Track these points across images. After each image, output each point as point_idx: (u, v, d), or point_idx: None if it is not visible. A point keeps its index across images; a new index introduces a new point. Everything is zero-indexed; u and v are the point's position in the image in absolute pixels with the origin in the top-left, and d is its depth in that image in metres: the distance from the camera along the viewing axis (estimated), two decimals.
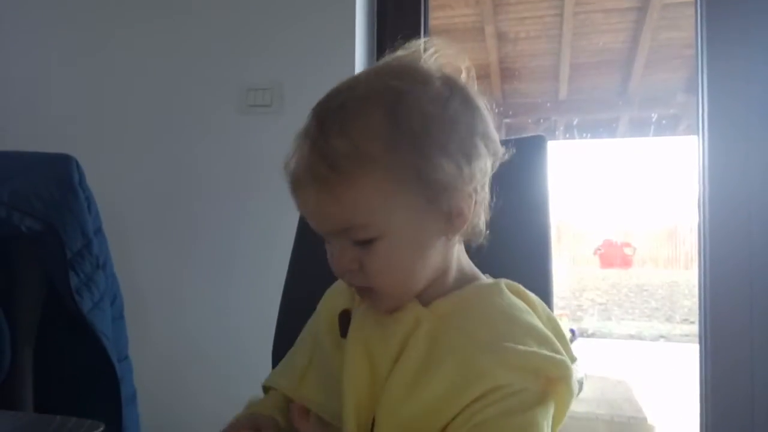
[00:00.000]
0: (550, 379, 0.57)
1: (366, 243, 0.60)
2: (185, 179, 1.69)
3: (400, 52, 0.67)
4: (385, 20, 1.67)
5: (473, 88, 0.66)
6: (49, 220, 1.01)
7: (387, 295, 0.62)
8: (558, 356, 0.58)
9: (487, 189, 0.66)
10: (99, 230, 1.15)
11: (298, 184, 0.61)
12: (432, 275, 0.64)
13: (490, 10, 3.20)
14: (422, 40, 0.67)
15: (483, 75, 3.76)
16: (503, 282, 0.66)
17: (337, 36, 1.58)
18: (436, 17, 3.08)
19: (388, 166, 0.57)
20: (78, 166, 1.13)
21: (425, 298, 0.64)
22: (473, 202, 0.63)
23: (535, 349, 0.58)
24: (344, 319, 0.67)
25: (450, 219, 0.62)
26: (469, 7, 3.22)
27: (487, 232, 0.68)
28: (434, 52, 0.66)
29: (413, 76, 0.62)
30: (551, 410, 0.57)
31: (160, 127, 1.72)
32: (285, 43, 1.63)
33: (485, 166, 0.64)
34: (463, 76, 0.66)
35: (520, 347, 0.58)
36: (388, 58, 0.67)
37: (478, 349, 0.58)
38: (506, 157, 0.67)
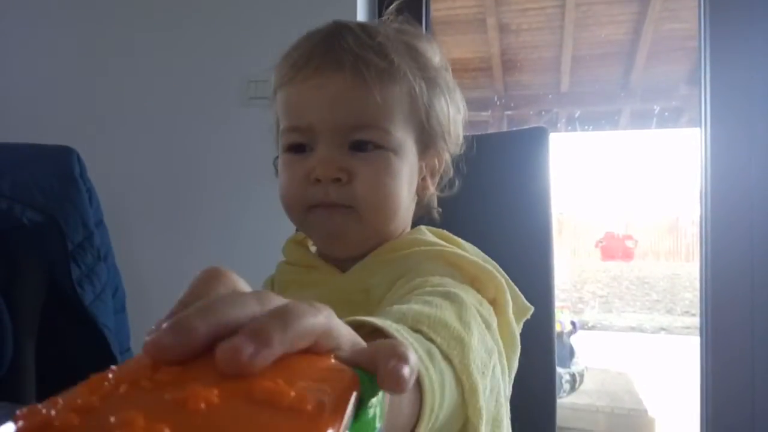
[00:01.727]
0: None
1: (367, 151, 0.57)
2: (187, 171, 1.69)
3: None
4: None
5: None
6: (50, 213, 1.01)
7: (362, 218, 0.57)
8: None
9: (449, 173, 0.67)
10: (100, 222, 1.15)
11: (323, 69, 0.57)
12: (398, 228, 0.62)
13: (492, 1, 3.19)
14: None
15: (485, 67, 3.75)
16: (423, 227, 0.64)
17: None
18: (437, 9, 3.07)
19: (416, 86, 0.59)
20: (79, 158, 1.13)
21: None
22: (440, 171, 0.65)
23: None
24: None
25: (424, 177, 0.63)
26: None
27: (440, 210, 0.68)
28: None
29: (422, 35, 0.65)
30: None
31: (162, 120, 1.72)
32: (286, 36, 1.62)
33: (459, 143, 0.65)
34: None
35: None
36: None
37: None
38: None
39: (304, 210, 0.59)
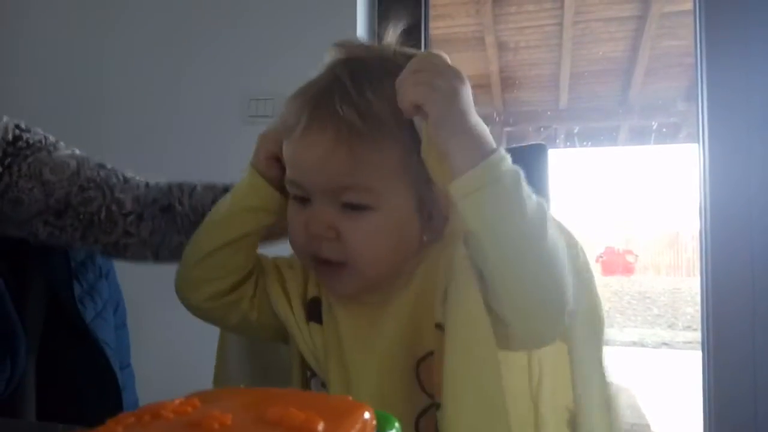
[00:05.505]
0: None
1: (356, 210, 0.58)
2: None
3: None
4: (385, 31, 1.67)
5: None
6: None
7: (357, 272, 0.59)
8: None
9: None
10: None
11: (310, 129, 0.57)
12: (399, 263, 0.61)
13: (490, 20, 3.22)
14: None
15: (484, 84, 3.78)
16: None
17: None
18: (436, 27, 3.10)
19: (407, 140, 0.57)
20: None
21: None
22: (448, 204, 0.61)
23: None
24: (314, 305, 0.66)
25: (430, 218, 0.61)
26: (470, 17, 3.24)
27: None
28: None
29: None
30: None
31: (163, 137, 1.73)
32: (287, 55, 1.64)
33: None
34: None
35: None
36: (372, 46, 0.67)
37: None
38: None
39: (309, 261, 0.62)
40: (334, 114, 0.56)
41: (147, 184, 0.87)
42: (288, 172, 0.62)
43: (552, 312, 0.54)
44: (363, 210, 0.58)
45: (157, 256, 0.85)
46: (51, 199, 0.80)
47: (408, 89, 0.55)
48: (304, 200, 0.60)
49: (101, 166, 0.87)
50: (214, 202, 0.83)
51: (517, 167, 0.54)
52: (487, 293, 0.54)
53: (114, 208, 0.82)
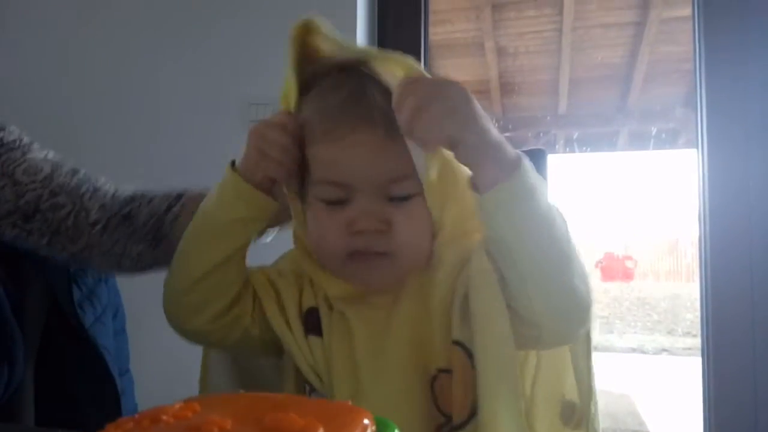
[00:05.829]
0: None
1: (402, 200, 0.59)
2: None
3: None
4: (385, 37, 1.68)
5: None
6: None
7: (399, 261, 0.60)
8: None
9: None
10: None
11: (356, 127, 0.58)
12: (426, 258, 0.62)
13: (489, 25, 3.23)
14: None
15: (483, 90, 3.79)
16: None
17: None
18: (435, 33, 3.11)
19: None
20: None
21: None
22: None
23: None
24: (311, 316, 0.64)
25: None
26: (469, 22, 3.25)
27: None
28: None
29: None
30: None
31: (162, 141, 1.73)
32: (287, 59, 1.64)
33: None
34: None
35: None
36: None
37: None
38: None
39: (343, 258, 0.60)
40: (379, 109, 0.57)
41: (114, 194, 0.85)
42: (325, 175, 0.60)
43: (583, 308, 0.57)
44: (408, 199, 0.59)
45: (120, 266, 0.84)
46: (21, 200, 0.80)
47: (436, 124, 0.54)
48: (335, 203, 0.60)
49: (74, 171, 0.86)
50: (168, 209, 0.82)
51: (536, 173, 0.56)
52: (513, 300, 0.55)
53: (82, 216, 0.81)
